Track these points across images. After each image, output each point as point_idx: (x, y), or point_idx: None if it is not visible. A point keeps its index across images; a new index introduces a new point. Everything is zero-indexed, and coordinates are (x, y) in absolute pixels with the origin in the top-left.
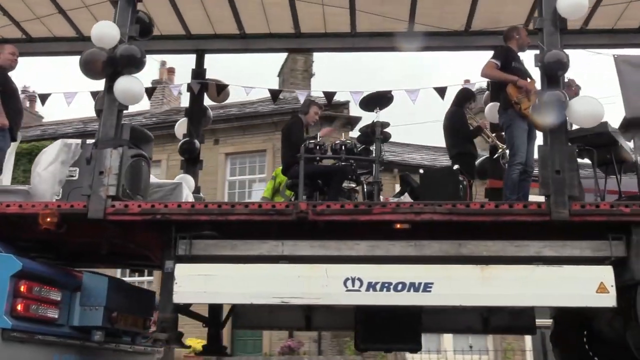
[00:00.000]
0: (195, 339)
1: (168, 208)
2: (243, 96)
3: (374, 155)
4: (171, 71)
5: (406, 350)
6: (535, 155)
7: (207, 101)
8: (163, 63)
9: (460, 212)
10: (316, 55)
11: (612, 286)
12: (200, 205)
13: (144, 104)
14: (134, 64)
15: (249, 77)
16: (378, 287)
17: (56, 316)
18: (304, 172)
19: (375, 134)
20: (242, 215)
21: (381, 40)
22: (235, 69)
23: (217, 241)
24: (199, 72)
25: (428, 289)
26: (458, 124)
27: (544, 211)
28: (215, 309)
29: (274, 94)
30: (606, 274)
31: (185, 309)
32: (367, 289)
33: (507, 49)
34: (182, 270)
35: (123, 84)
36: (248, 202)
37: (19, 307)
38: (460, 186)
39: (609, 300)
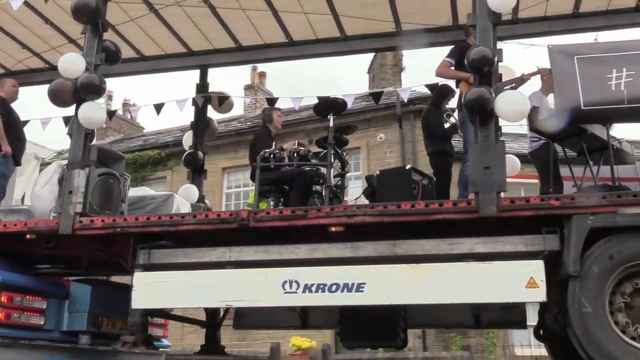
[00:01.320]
0: (299, 337)
1: (127, 222)
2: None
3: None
4: (262, 75)
5: (389, 347)
6: None
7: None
8: (254, 68)
9: (391, 213)
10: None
11: (541, 281)
12: (154, 217)
13: (238, 109)
14: (94, 91)
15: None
16: (314, 288)
17: (42, 322)
18: (271, 178)
19: (328, 139)
20: (190, 225)
21: (374, 42)
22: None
23: (172, 250)
24: (202, 86)
25: (360, 289)
26: (433, 123)
27: (473, 208)
28: (211, 311)
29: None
30: (536, 268)
31: (162, 313)
32: (304, 291)
33: (462, 46)
34: (139, 279)
35: (85, 109)
36: (197, 212)
37: (0, 316)
38: (414, 185)
39: (539, 295)
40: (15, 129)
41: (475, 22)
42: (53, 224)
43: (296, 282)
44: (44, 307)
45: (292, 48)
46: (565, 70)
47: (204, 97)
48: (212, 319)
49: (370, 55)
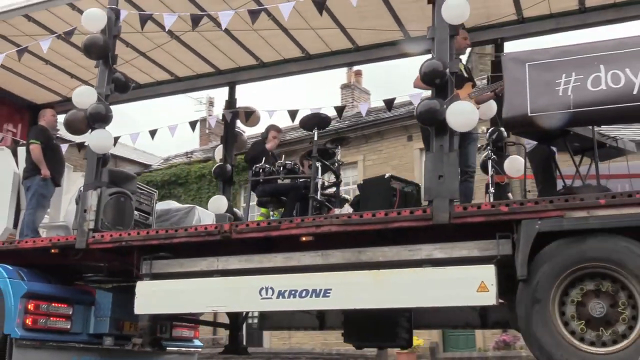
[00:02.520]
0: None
1: (130, 236)
2: None
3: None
4: (358, 74)
5: (394, 347)
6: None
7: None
8: (350, 66)
9: (354, 222)
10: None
11: (492, 285)
12: (152, 231)
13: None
14: (102, 120)
15: None
16: (287, 294)
17: (68, 326)
18: (268, 191)
19: (312, 152)
20: (182, 238)
21: (385, 50)
22: None
23: (170, 261)
24: (230, 102)
25: (327, 295)
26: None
27: (427, 216)
28: (233, 315)
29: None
30: (487, 273)
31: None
32: (278, 297)
33: (454, 53)
34: (140, 287)
35: (94, 137)
36: (189, 226)
37: (27, 321)
38: (393, 193)
39: (489, 298)
40: (54, 154)
41: (433, 35)
42: (72, 239)
43: (271, 288)
44: (70, 312)
45: (310, 61)
46: (516, 78)
47: (232, 112)
48: (234, 322)
49: None
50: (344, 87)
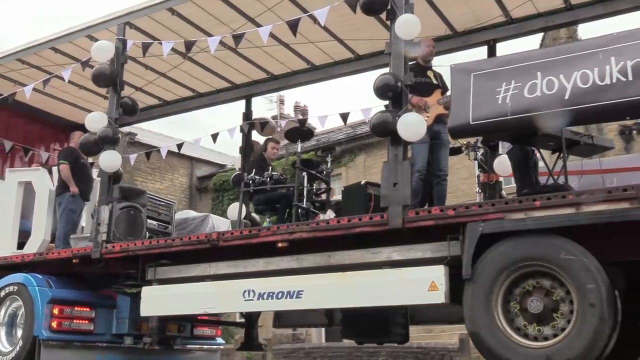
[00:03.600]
0: None
1: (136, 246)
2: None
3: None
4: None
5: (390, 342)
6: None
7: None
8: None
9: (321, 229)
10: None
11: (442, 284)
12: (154, 241)
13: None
14: (110, 142)
15: None
16: (266, 296)
17: (91, 328)
18: (262, 199)
19: (296, 163)
20: (178, 247)
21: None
22: None
23: (170, 267)
24: (247, 114)
25: (299, 296)
26: None
27: (384, 221)
28: (247, 314)
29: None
30: (437, 273)
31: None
32: (259, 298)
33: (408, 67)
34: (145, 292)
35: (103, 157)
36: (184, 235)
37: (53, 324)
38: (369, 198)
39: (439, 297)
40: (82, 172)
41: (390, 50)
42: (89, 250)
43: (253, 291)
44: (93, 315)
45: (317, 72)
46: (461, 88)
47: (249, 124)
48: (249, 320)
49: None
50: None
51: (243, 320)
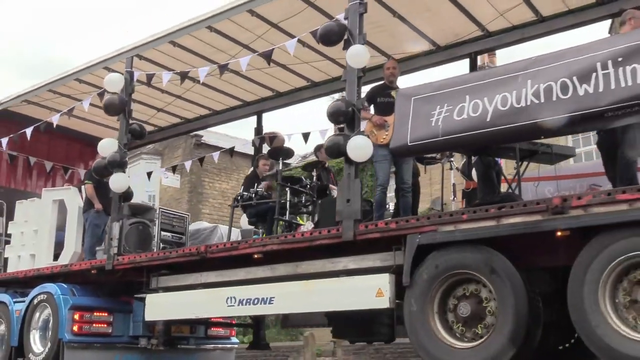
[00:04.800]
0: None
1: (141, 258)
2: None
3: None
4: (492, 54)
5: (378, 341)
6: None
7: None
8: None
9: (288, 242)
10: None
11: (387, 291)
12: (154, 253)
13: None
14: (118, 165)
15: None
16: (244, 302)
17: (109, 331)
18: (253, 213)
19: (278, 179)
20: (174, 258)
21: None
22: None
23: (169, 277)
24: (258, 129)
25: (271, 302)
26: None
27: (338, 234)
28: (254, 317)
29: None
30: (383, 281)
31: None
32: (239, 304)
33: (372, 89)
34: (149, 299)
35: (112, 180)
36: (180, 248)
37: (74, 328)
38: None
39: (385, 302)
40: (105, 190)
41: (345, 77)
42: (104, 262)
43: (234, 297)
44: (111, 319)
45: (318, 87)
46: (403, 111)
47: (260, 137)
48: (257, 323)
49: None
50: (479, 68)
51: (251, 321)
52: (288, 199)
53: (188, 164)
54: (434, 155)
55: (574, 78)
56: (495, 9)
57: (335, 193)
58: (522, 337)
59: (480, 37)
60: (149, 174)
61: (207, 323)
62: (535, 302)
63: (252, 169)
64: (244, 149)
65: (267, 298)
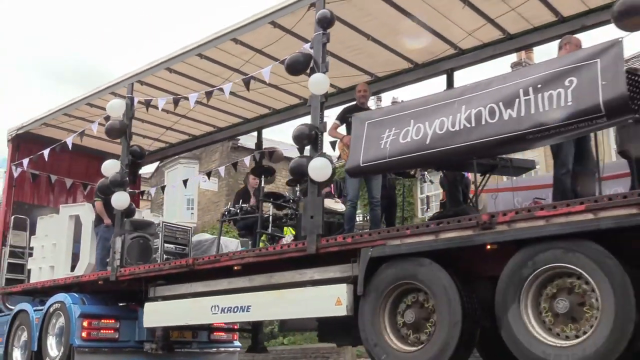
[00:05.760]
0: None
1: (139, 269)
2: None
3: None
4: (530, 50)
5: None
6: None
7: None
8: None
9: (262, 254)
10: None
11: (344, 299)
12: (150, 266)
13: None
14: (119, 185)
15: None
16: (226, 310)
17: (116, 336)
18: (241, 226)
19: (260, 195)
20: (167, 270)
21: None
22: None
23: (164, 287)
24: (258, 144)
25: (249, 310)
26: None
27: (303, 248)
28: (253, 322)
29: None
30: (341, 291)
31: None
32: (221, 312)
33: (345, 109)
34: (147, 307)
35: (113, 198)
36: (171, 260)
37: (83, 334)
38: None
39: (343, 310)
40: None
41: (310, 102)
42: (108, 274)
43: (218, 306)
44: (117, 326)
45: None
46: (357, 135)
47: (260, 152)
48: (255, 327)
49: None
50: (515, 64)
51: (250, 327)
52: (271, 214)
53: (222, 170)
54: (408, 170)
55: (500, 104)
56: (462, 29)
57: (328, 205)
58: (455, 342)
59: (454, 55)
60: (185, 182)
61: (209, 328)
62: (472, 310)
63: (243, 184)
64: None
65: (245, 306)
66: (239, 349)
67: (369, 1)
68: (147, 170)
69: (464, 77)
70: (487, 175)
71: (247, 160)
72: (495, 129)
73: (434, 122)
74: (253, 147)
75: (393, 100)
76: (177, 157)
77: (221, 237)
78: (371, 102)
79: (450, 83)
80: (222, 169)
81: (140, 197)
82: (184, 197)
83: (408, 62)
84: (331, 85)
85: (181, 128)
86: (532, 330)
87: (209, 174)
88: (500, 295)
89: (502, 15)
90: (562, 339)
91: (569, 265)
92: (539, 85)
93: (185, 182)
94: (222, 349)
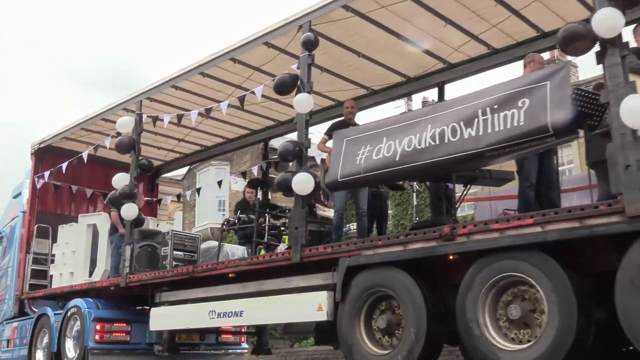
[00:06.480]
0: None
1: (146, 276)
2: None
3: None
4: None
5: None
6: None
7: None
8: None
9: (253, 263)
10: None
11: (325, 305)
12: (155, 273)
13: None
14: (128, 197)
15: None
16: (222, 314)
17: (128, 339)
18: (241, 235)
19: (256, 207)
20: (169, 277)
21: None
22: None
23: (169, 292)
24: (265, 154)
25: (242, 315)
26: None
27: (289, 257)
28: (258, 325)
29: None
30: (322, 297)
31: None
32: (218, 317)
33: (332, 124)
34: (153, 311)
35: (123, 210)
36: (174, 269)
37: (97, 337)
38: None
39: (324, 316)
40: None
41: (297, 120)
42: (119, 280)
43: (214, 311)
44: (129, 329)
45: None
46: (337, 151)
47: (267, 162)
48: (259, 330)
49: None
50: (549, 62)
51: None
52: (267, 223)
53: (255, 169)
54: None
55: (461, 123)
56: (448, 45)
57: (321, 213)
58: (421, 345)
59: (445, 69)
60: (220, 182)
61: (217, 331)
62: (438, 315)
63: (243, 196)
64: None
65: (238, 311)
66: (246, 350)
67: (353, 22)
68: (179, 172)
69: (460, 88)
70: (468, 186)
71: (255, 170)
72: (456, 147)
73: (403, 139)
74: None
75: (423, 100)
76: (209, 159)
77: (229, 245)
78: (401, 102)
79: (441, 95)
80: (255, 169)
81: (158, 205)
82: (215, 199)
83: (401, 76)
84: (329, 98)
85: (193, 140)
86: (489, 335)
87: (244, 174)
88: (461, 301)
89: (484, 32)
90: (516, 343)
91: (520, 274)
92: (496, 106)
93: (220, 183)
94: (230, 350)
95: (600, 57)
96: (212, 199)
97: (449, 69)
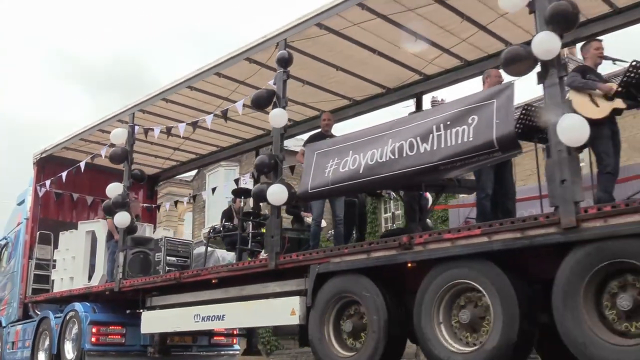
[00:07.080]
0: None
1: (137, 282)
2: None
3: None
4: (572, 47)
5: None
6: None
7: None
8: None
9: (233, 269)
10: None
11: (298, 310)
12: (145, 278)
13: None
14: (121, 205)
15: None
16: (206, 318)
17: (123, 341)
18: (227, 242)
19: (240, 214)
20: (158, 283)
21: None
22: None
23: (160, 297)
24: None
25: (223, 319)
26: None
27: (265, 264)
28: (248, 328)
29: None
30: (294, 302)
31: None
32: (202, 320)
33: (310, 136)
34: (144, 315)
35: (116, 218)
36: (163, 275)
37: (93, 339)
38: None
39: (296, 320)
40: None
41: (272, 134)
42: (113, 285)
43: (199, 315)
44: (124, 332)
45: (299, 126)
46: (308, 163)
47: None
48: (249, 332)
49: None
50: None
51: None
52: (250, 231)
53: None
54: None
55: (418, 138)
56: (422, 58)
57: (308, 220)
58: (382, 348)
59: (422, 80)
60: (237, 181)
61: (210, 333)
62: (399, 319)
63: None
64: None
65: (220, 315)
66: (238, 352)
67: (328, 39)
68: (189, 174)
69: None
70: (439, 194)
71: (247, 177)
72: (413, 160)
73: (367, 153)
74: (295, 150)
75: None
76: (218, 160)
77: (220, 250)
78: (411, 102)
79: (419, 106)
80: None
81: (157, 212)
82: (224, 200)
83: (380, 88)
84: (314, 108)
85: (188, 148)
86: (441, 338)
87: (253, 175)
88: (418, 306)
89: (455, 45)
90: (467, 346)
91: (469, 281)
92: (448, 122)
93: (237, 181)
94: (223, 352)
95: (541, 78)
96: (221, 199)
97: (425, 81)
